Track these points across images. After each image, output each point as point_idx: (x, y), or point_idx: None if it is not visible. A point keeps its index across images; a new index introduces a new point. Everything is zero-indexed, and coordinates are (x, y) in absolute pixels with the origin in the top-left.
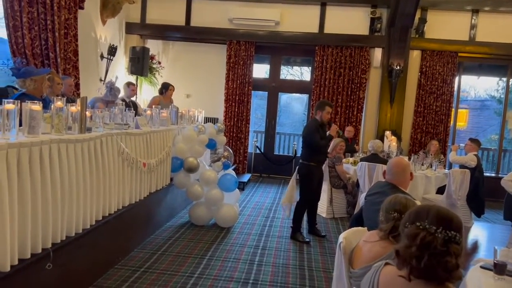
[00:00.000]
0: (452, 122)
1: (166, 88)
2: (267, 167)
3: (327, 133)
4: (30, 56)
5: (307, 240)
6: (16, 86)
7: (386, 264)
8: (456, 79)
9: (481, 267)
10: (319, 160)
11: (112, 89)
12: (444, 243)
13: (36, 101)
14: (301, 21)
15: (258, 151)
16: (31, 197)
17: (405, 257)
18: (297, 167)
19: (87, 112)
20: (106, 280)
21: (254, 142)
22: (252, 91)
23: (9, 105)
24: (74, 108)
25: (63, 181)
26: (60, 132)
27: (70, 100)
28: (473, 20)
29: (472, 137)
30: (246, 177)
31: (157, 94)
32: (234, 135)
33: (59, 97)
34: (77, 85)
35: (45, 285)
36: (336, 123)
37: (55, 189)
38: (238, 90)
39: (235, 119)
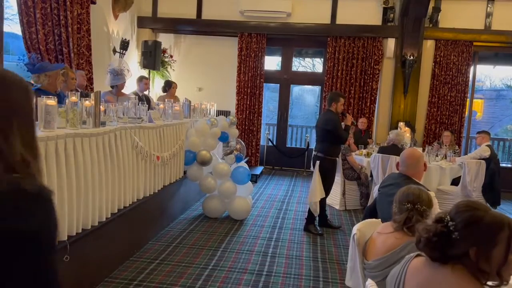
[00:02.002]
0: (467, 112)
1: (169, 86)
2: (280, 159)
3: (343, 124)
4: (44, 51)
5: (320, 232)
6: (31, 82)
7: (417, 255)
8: (471, 68)
9: None
10: (337, 153)
11: (117, 73)
12: (437, 220)
13: (51, 96)
14: (312, 12)
15: (270, 144)
16: None
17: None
18: (318, 162)
19: (101, 107)
20: (122, 271)
21: (266, 135)
22: (264, 84)
23: None
24: (88, 103)
25: (79, 174)
26: (75, 126)
27: (84, 95)
28: (488, 8)
29: (479, 130)
30: (258, 169)
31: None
32: (246, 127)
33: (74, 92)
34: (90, 80)
35: (63, 277)
36: (349, 115)
37: (71, 182)
38: (250, 82)
39: (247, 111)
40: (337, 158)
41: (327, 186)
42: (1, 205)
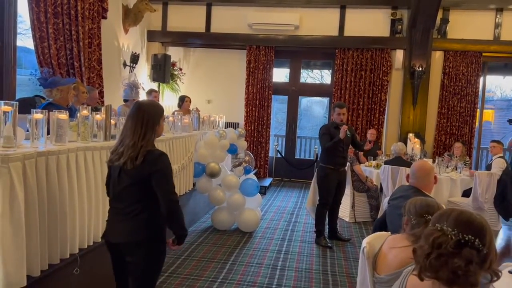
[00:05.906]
0: (477, 123)
1: (182, 101)
2: (288, 171)
3: (362, 138)
4: (56, 66)
5: (329, 245)
6: (43, 96)
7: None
8: (481, 79)
9: (509, 272)
10: (336, 163)
11: (135, 87)
12: (457, 245)
13: (62, 110)
14: (320, 24)
15: (279, 155)
16: (59, 204)
17: (418, 255)
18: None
19: (111, 120)
20: None
21: (275, 146)
22: (272, 95)
23: (38, 115)
24: (99, 117)
25: (90, 187)
26: (86, 140)
27: (95, 109)
28: (497, 19)
29: (493, 139)
30: (267, 181)
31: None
32: (255, 139)
33: (85, 106)
34: (101, 93)
35: None
36: (358, 126)
37: (82, 195)
38: (258, 94)
39: (256, 123)
40: (330, 167)
41: (322, 193)
42: (149, 158)
